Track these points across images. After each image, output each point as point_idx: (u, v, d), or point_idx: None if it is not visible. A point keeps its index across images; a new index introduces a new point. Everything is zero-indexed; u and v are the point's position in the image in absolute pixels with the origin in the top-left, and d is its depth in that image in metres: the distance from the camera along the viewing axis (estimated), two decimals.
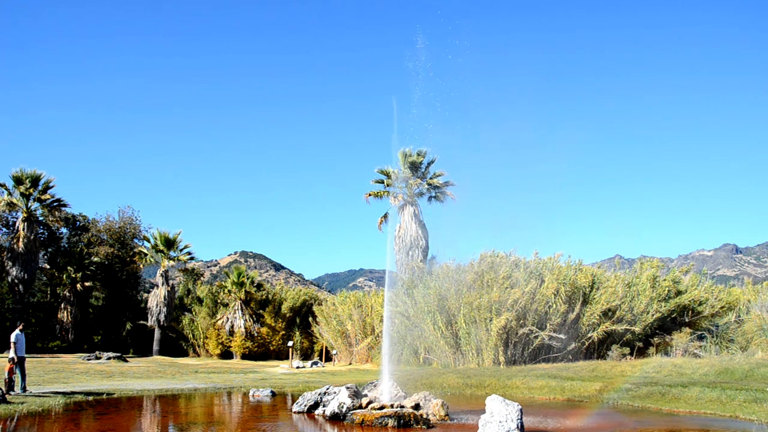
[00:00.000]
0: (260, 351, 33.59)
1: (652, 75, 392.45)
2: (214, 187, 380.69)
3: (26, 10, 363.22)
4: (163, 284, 34.14)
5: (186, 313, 36.03)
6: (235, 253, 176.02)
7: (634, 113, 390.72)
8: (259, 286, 36.48)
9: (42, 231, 35.11)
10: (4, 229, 34.52)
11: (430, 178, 29.91)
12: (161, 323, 33.67)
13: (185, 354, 35.63)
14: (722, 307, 21.84)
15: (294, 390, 14.90)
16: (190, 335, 35.50)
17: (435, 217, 29.90)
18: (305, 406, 10.81)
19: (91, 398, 12.52)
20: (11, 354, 12.73)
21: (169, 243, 35.08)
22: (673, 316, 21.81)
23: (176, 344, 36.18)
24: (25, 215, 31.84)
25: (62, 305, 34.79)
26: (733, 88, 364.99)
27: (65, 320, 34.46)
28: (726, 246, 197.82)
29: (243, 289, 33.82)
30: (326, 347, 30.86)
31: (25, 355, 13.35)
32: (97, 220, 39.57)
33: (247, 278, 34.48)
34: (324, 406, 10.56)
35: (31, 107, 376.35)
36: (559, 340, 19.55)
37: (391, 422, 9.07)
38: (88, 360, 26.22)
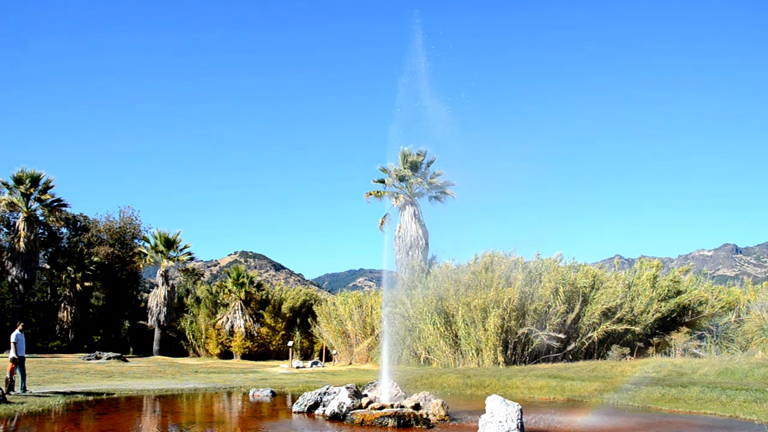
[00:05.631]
0: (260, 351, 33.60)
1: (652, 74, 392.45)
2: (214, 186, 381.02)
3: (26, 10, 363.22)
4: (163, 284, 34.14)
5: (186, 313, 36.05)
6: (235, 253, 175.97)
7: (634, 113, 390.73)
8: (259, 286, 36.49)
9: (42, 231, 35.12)
10: (5, 229, 34.54)
11: (430, 178, 29.91)
12: (161, 323, 33.68)
13: (185, 354, 35.64)
14: (722, 307, 21.83)
15: (294, 390, 14.90)
16: (190, 335, 35.50)
17: (435, 217, 29.92)
18: (305, 406, 10.80)
19: (91, 398, 12.52)
20: (12, 354, 12.72)
21: (169, 243, 35.08)
22: (673, 316, 21.80)
23: (176, 344, 36.19)
24: (26, 215, 31.84)
25: (62, 305, 34.80)
26: (733, 87, 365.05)
27: (65, 320, 34.48)
28: (726, 246, 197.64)
29: (243, 289, 33.82)
30: (326, 347, 30.85)
31: (25, 355, 13.35)
32: (97, 220, 39.62)
33: (247, 278, 34.49)
34: (324, 406, 10.56)
35: (31, 107, 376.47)
36: (559, 340, 19.56)
37: (391, 422, 9.06)
38: (88, 360, 26.23)
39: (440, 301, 21.34)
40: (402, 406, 9.78)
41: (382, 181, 30.79)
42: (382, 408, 9.80)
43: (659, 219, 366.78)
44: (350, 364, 28.36)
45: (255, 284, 35.78)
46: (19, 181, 31.94)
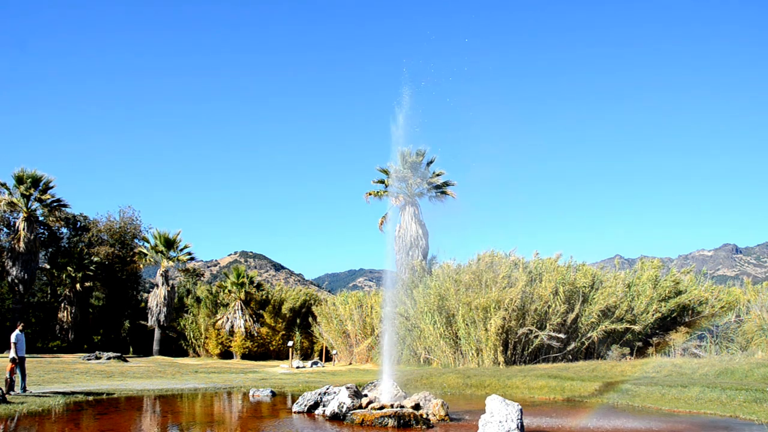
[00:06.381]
0: (260, 351, 33.61)
1: (651, 73, 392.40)
2: (214, 186, 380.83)
3: (26, 10, 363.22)
4: (163, 284, 34.15)
5: (186, 313, 36.05)
6: (235, 253, 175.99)
7: (633, 112, 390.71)
8: (259, 286, 36.50)
9: (42, 231, 35.13)
10: (5, 229, 34.54)
11: (430, 178, 29.90)
12: (161, 323, 33.68)
13: (185, 354, 35.65)
14: (722, 307, 21.84)
15: (294, 390, 14.90)
16: (190, 335, 35.52)
17: (435, 217, 29.93)
18: (305, 406, 10.81)
19: (91, 398, 12.52)
20: (12, 354, 12.73)
21: (169, 243, 35.09)
22: (674, 316, 21.80)
23: (176, 344, 36.20)
24: (26, 215, 31.85)
25: (62, 305, 34.80)
26: (734, 86, 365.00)
27: (65, 320, 34.48)
28: (726, 246, 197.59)
29: (243, 289, 33.83)
30: (326, 347, 30.87)
31: (26, 355, 13.35)
32: (97, 220, 39.62)
33: (247, 278, 34.50)
34: (324, 406, 10.56)
35: (31, 107, 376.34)
36: (559, 339, 19.55)
37: (391, 422, 9.07)
38: (88, 360, 26.24)
39: (441, 301, 21.33)
40: (402, 406, 9.78)
41: (382, 182, 30.82)
42: (382, 408, 9.80)
43: (659, 219, 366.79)
44: (350, 364, 28.36)
45: (255, 284, 35.80)
46: (19, 181, 31.95)
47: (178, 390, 14.82)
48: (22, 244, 31.22)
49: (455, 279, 21.61)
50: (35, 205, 32.59)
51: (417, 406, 9.82)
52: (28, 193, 32.12)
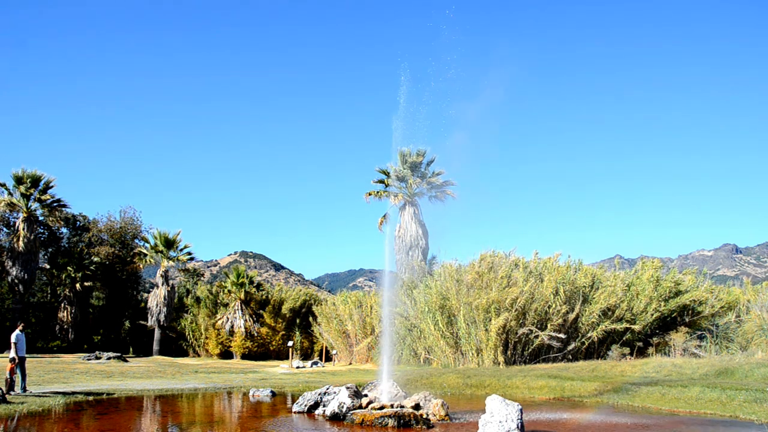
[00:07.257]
0: (260, 351, 33.62)
1: (651, 73, 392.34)
2: (214, 186, 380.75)
3: (26, 10, 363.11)
4: (163, 284, 34.16)
5: (186, 313, 36.06)
6: (235, 253, 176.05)
7: (633, 112, 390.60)
8: (259, 286, 36.52)
9: (42, 231, 35.15)
10: (5, 229, 34.57)
11: (430, 178, 29.91)
12: (161, 323, 33.70)
13: (185, 354, 35.66)
14: (722, 307, 21.84)
15: (294, 390, 14.91)
16: (190, 335, 35.53)
17: (435, 217, 29.94)
18: (305, 406, 10.81)
19: (91, 398, 12.52)
20: (12, 354, 12.73)
21: (169, 243, 35.11)
22: (674, 315, 21.80)
23: (176, 344, 36.22)
24: (26, 215, 31.87)
25: (62, 305, 34.83)
26: (734, 86, 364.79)
27: (65, 320, 34.50)
28: (726, 246, 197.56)
29: (243, 289, 33.84)
30: (326, 347, 30.87)
31: (26, 355, 13.35)
32: (97, 220, 39.68)
33: (247, 278, 34.51)
34: (324, 406, 10.57)
35: (31, 107, 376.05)
36: (559, 339, 19.55)
37: (391, 422, 9.07)
38: (88, 360, 26.25)
39: (443, 301, 21.34)
40: (402, 406, 9.79)
41: (382, 182, 30.84)
42: (382, 408, 9.81)
43: (659, 219, 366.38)
44: (350, 364, 28.37)
45: (255, 284, 35.81)
46: (19, 181, 31.97)
47: (178, 390, 14.82)
48: (22, 244, 31.23)
49: (457, 279, 21.61)
50: (35, 205, 32.60)
51: (417, 406, 9.82)
52: (28, 193, 32.13)
